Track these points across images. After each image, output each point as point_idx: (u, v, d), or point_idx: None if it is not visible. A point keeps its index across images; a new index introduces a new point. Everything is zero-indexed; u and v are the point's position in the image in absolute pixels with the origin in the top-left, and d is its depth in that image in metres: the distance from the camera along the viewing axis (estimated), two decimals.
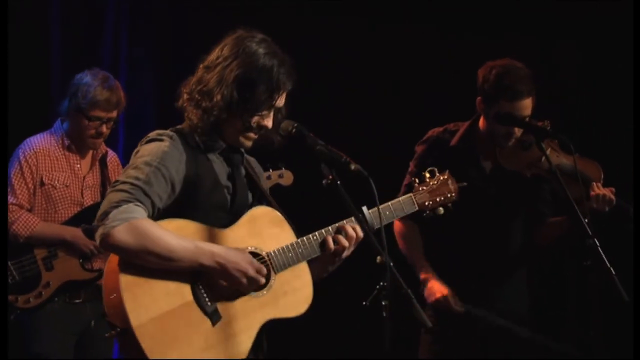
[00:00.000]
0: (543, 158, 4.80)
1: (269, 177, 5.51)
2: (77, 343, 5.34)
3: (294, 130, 3.67)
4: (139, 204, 3.52)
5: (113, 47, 6.73)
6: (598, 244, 4.26)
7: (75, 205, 5.36)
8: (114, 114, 5.36)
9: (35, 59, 6.30)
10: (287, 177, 5.63)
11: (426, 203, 4.07)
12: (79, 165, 5.43)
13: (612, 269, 4.20)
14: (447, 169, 4.18)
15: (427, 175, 4.10)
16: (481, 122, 5.00)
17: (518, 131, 4.85)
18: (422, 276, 4.99)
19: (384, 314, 3.39)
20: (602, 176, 4.92)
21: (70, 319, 5.26)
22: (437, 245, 5.11)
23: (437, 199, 4.09)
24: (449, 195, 4.11)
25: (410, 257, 5.05)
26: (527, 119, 4.79)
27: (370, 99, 6.73)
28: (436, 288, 4.93)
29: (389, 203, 3.97)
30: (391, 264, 3.41)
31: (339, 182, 3.54)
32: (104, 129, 5.35)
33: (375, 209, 3.83)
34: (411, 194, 4.04)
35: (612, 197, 4.84)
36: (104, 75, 5.37)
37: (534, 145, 4.81)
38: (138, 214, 3.50)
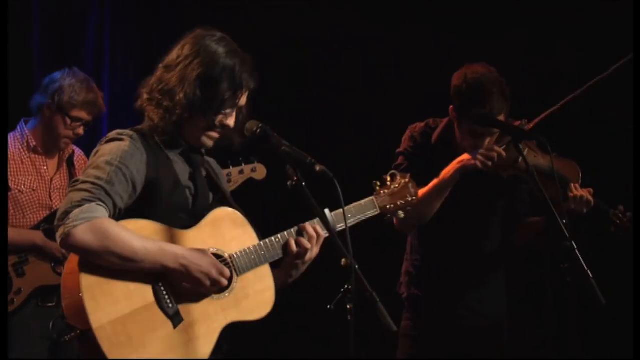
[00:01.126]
0: (520, 159, 4.76)
1: (241, 172, 5.43)
2: (51, 347, 5.20)
3: (258, 130, 3.65)
4: (100, 203, 3.47)
5: (96, 47, 6.61)
6: (575, 247, 4.20)
7: (44, 208, 5.22)
8: (92, 117, 5.26)
9: (16, 60, 6.07)
10: (260, 171, 5.55)
11: (387, 206, 4.07)
12: (45, 167, 5.29)
13: (589, 272, 4.16)
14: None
15: (389, 178, 4.11)
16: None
17: (490, 142, 4.78)
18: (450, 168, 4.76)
19: (349, 318, 3.36)
20: (581, 176, 4.89)
21: (43, 323, 5.04)
22: (416, 245, 5.08)
23: (399, 202, 4.10)
24: (409, 198, 4.12)
25: (429, 192, 4.74)
26: (503, 121, 4.72)
27: (348, 99, 6.73)
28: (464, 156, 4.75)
29: (351, 206, 3.96)
30: (356, 266, 3.39)
31: (303, 184, 3.51)
32: (81, 131, 5.23)
33: (338, 210, 3.83)
34: (373, 197, 4.05)
35: (591, 198, 4.81)
36: (86, 77, 5.26)
37: (511, 146, 4.74)
38: (100, 213, 3.45)
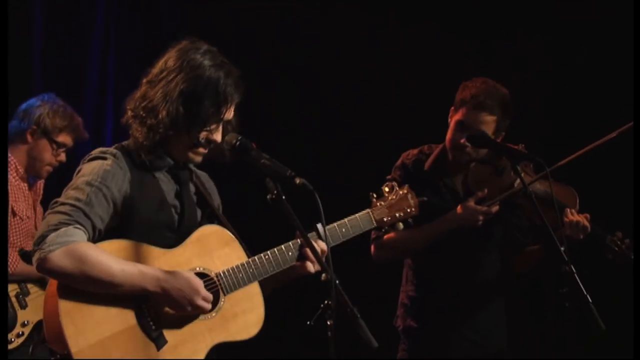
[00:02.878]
0: (516, 183, 4.66)
1: None
2: None
3: (237, 143, 3.54)
4: (78, 226, 3.40)
5: (101, 56, 6.59)
6: (575, 271, 4.07)
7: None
8: (74, 143, 5.15)
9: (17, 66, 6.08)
10: None
11: (385, 219, 3.93)
12: (30, 196, 5.18)
13: (588, 297, 4.02)
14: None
15: (386, 189, 3.96)
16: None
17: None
18: (443, 219, 4.73)
19: (329, 334, 3.25)
20: (578, 202, 4.73)
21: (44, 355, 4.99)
22: (410, 275, 4.96)
23: (397, 215, 3.95)
24: (408, 210, 3.97)
25: (416, 234, 4.70)
26: (501, 142, 4.65)
27: (346, 108, 6.63)
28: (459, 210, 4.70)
29: (346, 220, 3.83)
30: (337, 281, 3.27)
31: (283, 197, 3.40)
32: (64, 157, 5.13)
33: (331, 225, 3.74)
34: (369, 210, 3.91)
35: (587, 223, 4.66)
36: (64, 103, 5.14)
37: (507, 171, 4.69)
38: (77, 237, 3.38)
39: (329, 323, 3.25)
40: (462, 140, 4.67)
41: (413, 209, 3.98)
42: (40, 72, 6.35)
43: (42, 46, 6.37)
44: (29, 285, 4.97)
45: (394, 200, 3.95)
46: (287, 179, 3.40)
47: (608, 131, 4.61)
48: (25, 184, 5.14)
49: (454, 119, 4.76)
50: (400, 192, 3.98)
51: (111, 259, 3.39)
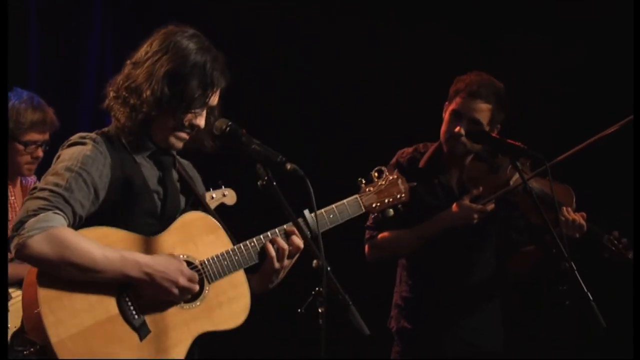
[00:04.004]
0: (512, 181, 4.60)
1: (212, 198, 5.23)
2: None
3: (227, 128, 3.43)
4: (58, 211, 3.28)
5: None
6: (575, 268, 4.01)
7: None
8: (48, 135, 4.87)
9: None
10: (230, 196, 5.35)
11: (374, 205, 3.82)
12: (13, 197, 4.93)
13: (589, 294, 3.95)
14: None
15: (375, 174, 3.86)
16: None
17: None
18: (437, 218, 4.66)
19: (320, 321, 3.16)
20: (575, 200, 4.67)
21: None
22: (404, 276, 4.87)
23: (386, 200, 3.84)
24: (398, 196, 3.86)
25: (410, 234, 4.69)
26: (501, 138, 4.56)
27: (339, 96, 6.53)
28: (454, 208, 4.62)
29: (333, 205, 3.72)
30: (328, 268, 3.18)
31: (274, 183, 3.31)
32: (40, 153, 4.85)
33: (319, 211, 3.62)
34: (357, 195, 3.80)
35: (583, 222, 4.59)
36: (29, 94, 4.86)
37: (503, 169, 4.63)
38: (57, 222, 3.26)
39: (320, 310, 3.17)
40: (457, 128, 4.61)
41: (403, 195, 3.87)
42: (36, 72, 6.19)
43: (39, 46, 6.23)
44: (11, 290, 4.75)
45: (383, 185, 3.85)
46: (278, 165, 3.31)
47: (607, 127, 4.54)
48: (7, 186, 4.90)
49: (448, 109, 4.71)
50: (390, 178, 3.87)
51: (93, 244, 3.28)
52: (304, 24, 6.46)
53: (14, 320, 4.52)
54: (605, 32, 6.14)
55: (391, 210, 3.87)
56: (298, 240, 3.55)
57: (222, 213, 3.69)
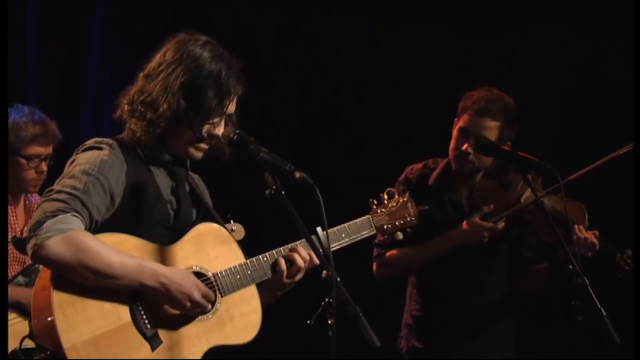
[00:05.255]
0: (523, 199, 4.58)
1: None
2: None
3: (235, 137, 3.44)
4: (76, 214, 3.29)
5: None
6: (588, 283, 3.97)
7: (17, 262, 4.73)
8: (51, 148, 4.81)
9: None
10: (238, 231, 5.34)
11: (385, 226, 3.86)
12: (14, 217, 4.83)
13: (602, 310, 3.92)
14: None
15: (386, 197, 3.90)
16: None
17: (477, 154, 4.62)
18: (447, 236, 4.65)
19: (330, 333, 3.15)
20: (587, 218, 4.63)
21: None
22: (414, 294, 4.86)
23: (397, 223, 3.89)
24: (408, 219, 3.91)
25: (420, 252, 4.68)
26: (510, 150, 4.56)
27: (350, 109, 6.53)
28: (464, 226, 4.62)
29: (345, 225, 3.76)
30: (338, 279, 3.18)
31: (283, 192, 3.31)
32: (44, 167, 4.78)
33: (331, 230, 3.65)
34: (369, 216, 3.84)
35: (596, 241, 4.56)
36: (30, 109, 4.80)
37: (514, 186, 4.61)
38: (75, 225, 3.26)
39: (329, 322, 3.16)
40: (465, 147, 4.61)
41: (413, 218, 3.92)
42: (35, 73, 6.17)
43: (38, 43, 6.21)
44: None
45: (394, 207, 3.89)
46: (287, 173, 3.31)
47: (617, 141, 4.53)
48: (9, 206, 4.80)
49: (456, 127, 4.71)
50: (401, 200, 3.92)
51: (110, 250, 3.29)
52: (314, 28, 6.46)
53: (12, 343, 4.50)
54: (605, 31, 6.13)
55: (400, 233, 3.91)
56: (311, 254, 3.56)
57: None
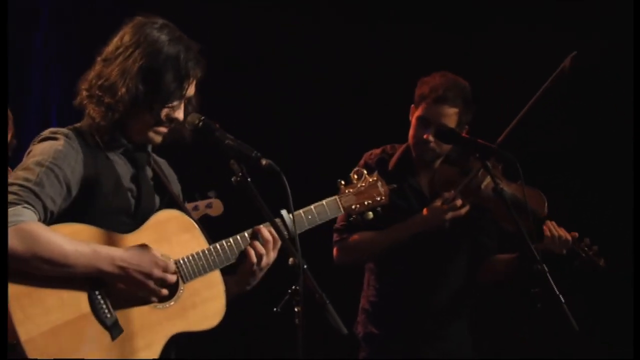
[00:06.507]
0: (484, 185, 4.54)
1: (195, 208, 5.11)
2: None
3: (200, 123, 3.38)
4: (28, 206, 3.21)
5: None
6: (547, 270, 3.94)
7: None
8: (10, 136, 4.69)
9: None
10: (216, 207, 5.22)
11: (353, 207, 3.76)
12: None
13: (561, 297, 3.89)
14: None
15: (355, 176, 3.80)
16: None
17: (437, 141, 4.57)
18: (409, 222, 4.60)
19: (296, 321, 3.10)
20: (546, 205, 4.60)
21: None
22: (372, 280, 4.80)
23: (366, 203, 3.78)
24: (378, 198, 3.81)
25: (382, 236, 4.64)
26: (470, 137, 4.48)
27: (317, 95, 6.46)
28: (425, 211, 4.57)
29: (312, 206, 3.67)
30: (304, 266, 3.12)
31: (249, 180, 3.25)
32: None
33: (297, 212, 3.57)
34: (336, 197, 3.74)
35: (569, 237, 4.54)
36: None
37: (474, 172, 4.55)
38: (27, 216, 3.18)
39: (296, 310, 3.11)
40: (426, 136, 4.57)
41: (383, 197, 3.82)
42: None
43: None
44: None
45: (363, 187, 3.79)
46: (253, 160, 3.25)
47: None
48: None
49: (414, 115, 4.66)
50: (370, 180, 3.82)
51: (64, 239, 3.20)
52: (278, 22, 6.41)
53: None
54: (602, 29, 6.08)
55: (370, 213, 3.81)
56: (274, 234, 3.49)
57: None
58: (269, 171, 3.20)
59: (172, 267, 3.35)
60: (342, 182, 3.79)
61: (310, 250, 3.22)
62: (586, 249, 4.62)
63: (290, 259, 3.14)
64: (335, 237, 4.72)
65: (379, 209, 3.82)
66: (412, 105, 4.69)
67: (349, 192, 3.77)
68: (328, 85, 6.39)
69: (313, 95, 6.40)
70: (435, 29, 6.24)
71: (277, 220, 3.43)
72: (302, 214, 3.63)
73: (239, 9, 6.39)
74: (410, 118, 4.69)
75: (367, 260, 4.80)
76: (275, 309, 3.21)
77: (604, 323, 5.54)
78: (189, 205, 4.78)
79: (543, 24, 6.06)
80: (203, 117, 3.39)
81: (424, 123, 4.59)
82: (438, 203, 4.54)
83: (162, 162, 3.72)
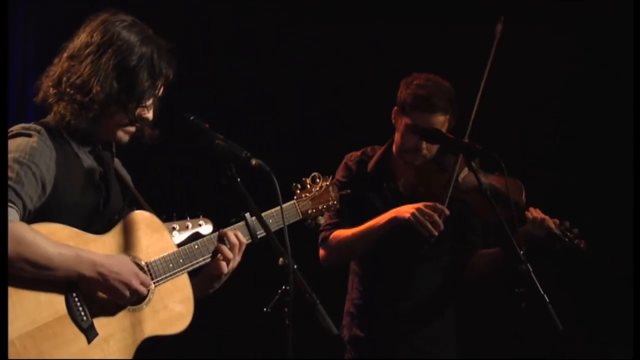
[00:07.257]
0: (462, 178, 4.54)
1: (187, 227, 5.04)
2: None
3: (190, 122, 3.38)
4: (11, 205, 3.12)
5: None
6: (531, 270, 3.98)
7: None
8: None
9: None
10: (206, 225, 5.16)
11: (309, 211, 3.85)
12: None
13: (546, 297, 3.93)
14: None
15: (309, 181, 3.88)
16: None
17: (428, 147, 4.59)
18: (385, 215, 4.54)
19: (287, 321, 3.13)
20: (524, 194, 4.60)
21: None
22: (356, 282, 4.77)
23: (320, 207, 3.88)
24: (330, 202, 3.91)
25: (360, 231, 4.58)
26: (456, 138, 4.50)
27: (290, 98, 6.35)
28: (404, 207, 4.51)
29: (272, 210, 3.70)
30: (294, 266, 3.16)
31: (238, 179, 3.28)
32: None
33: (267, 212, 3.62)
34: (294, 201, 3.81)
35: (552, 225, 4.51)
36: None
37: (450, 166, 4.56)
38: (11, 216, 3.10)
39: (286, 310, 3.14)
40: (423, 146, 4.55)
41: (335, 202, 3.92)
42: None
43: None
44: None
45: (317, 192, 3.88)
46: (242, 160, 3.27)
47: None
48: None
49: (403, 122, 4.61)
50: (323, 184, 3.91)
51: (48, 241, 3.14)
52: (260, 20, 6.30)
53: None
54: (598, 28, 6.10)
55: (322, 217, 3.90)
56: (241, 238, 3.53)
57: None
58: (259, 171, 3.23)
59: (149, 281, 3.33)
60: (298, 187, 3.86)
61: (299, 252, 3.26)
62: (567, 232, 4.59)
63: (280, 259, 3.17)
64: (320, 237, 4.68)
65: (331, 212, 3.93)
66: (395, 108, 4.66)
67: (305, 196, 3.85)
68: (315, 87, 6.29)
69: (301, 96, 6.30)
70: (431, 28, 6.18)
71: (241, 223, 3.49)
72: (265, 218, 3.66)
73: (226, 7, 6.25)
74: (393, 121, 4.68)
75: (350, 259, 4.75)
76: (265, 309, 3.22)
77: (604, 323, 5.59)
78: (179, 224, 4.69)
79: (543, 24, 6.08)
80: (193, 117, 3.39)
81: (415, 130, 4.56)
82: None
83: (117, 161, 3.66)
